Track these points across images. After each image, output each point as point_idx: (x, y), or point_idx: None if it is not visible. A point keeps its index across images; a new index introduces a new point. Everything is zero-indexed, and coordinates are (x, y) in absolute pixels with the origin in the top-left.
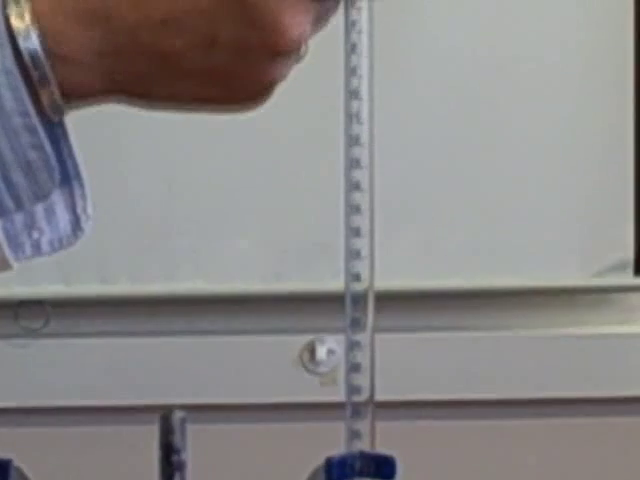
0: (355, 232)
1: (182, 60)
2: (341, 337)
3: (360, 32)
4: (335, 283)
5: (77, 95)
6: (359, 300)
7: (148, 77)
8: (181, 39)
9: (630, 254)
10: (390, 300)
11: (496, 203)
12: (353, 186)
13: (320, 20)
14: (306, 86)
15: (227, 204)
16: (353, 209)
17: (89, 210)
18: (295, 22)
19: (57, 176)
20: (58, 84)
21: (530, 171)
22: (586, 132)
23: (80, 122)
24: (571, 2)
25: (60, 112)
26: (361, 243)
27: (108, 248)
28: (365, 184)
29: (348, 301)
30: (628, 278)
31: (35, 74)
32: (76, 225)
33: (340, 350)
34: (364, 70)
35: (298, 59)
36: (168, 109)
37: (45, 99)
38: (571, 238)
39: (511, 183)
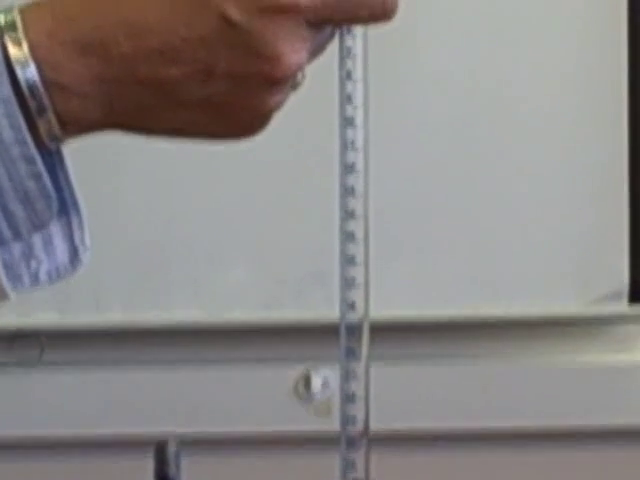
0: (350, 260)
1: (179, 89)
2: (336, 367)
3: (355, 59)
4: (330, 312)
5: (74, 124)
6: (354, 329)
7: (145, 106)
8: (178, 68)
9: (625, 283)
10: (385, 329)
11: (492, 232)
12: (348, 214)
13: (317, 48)
14: (302, 115)
15: (222, 233)
16: (348, 237)
17: (87, 241)
18: (292, 50)
19: (55, 206)
20: (56, 113)
21: (526, 200)
22: (581, 163)
23: (76, 150)
24: (567, 31)
25: (58, 141)
26: (356, 271)
27: (103, 277)
28: (360, 212)
29: (342, 330)
30: (623, 307)
31: (33, 103)
32: (74, 255)
33: (335, 380)
34: (359, 98)
35: (295, 87)
36: (165, 137)
37: (43, 128)
38: (566, 267)
39: (507, 212)
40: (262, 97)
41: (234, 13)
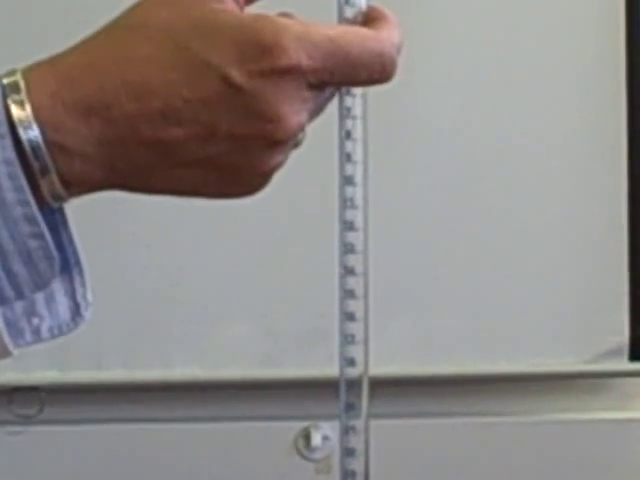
0: (349, 317)
1: (181, 150)
2: (336, 424)
3: (354, 119)
4: (330, 369)
5: (77, 184)
6: (354, 385)
7: (147, 166)
8: (180, 129)
9: (625, 339)
10: (385, 385)
11: (492, 289)
12: (347, 271)
13: (317, 108)
14: (303, 173)
15: (222, 290)
16: (348, 293)
17: (89, 297)
18: (293, 112)
19: (57, 265)
20: (58, 174)
21: (526, 258)
22: (581, 220)
23: (77, 208)
24: (568, 88)
25: (61, 200)
26: (355, 328)
27: (103, 334)
28: (359, 269)
29: (342, 385)
30: (624, 364)
31: (36, 164)
32: (76, 312)
33: (335, 437)
34: (359, 156)
35: (295, 145)
36: (166, 195)
37: (45, 188)
38: (566, 324)
39: (507, 269)
40: (263, 158)
41: (236, 75)
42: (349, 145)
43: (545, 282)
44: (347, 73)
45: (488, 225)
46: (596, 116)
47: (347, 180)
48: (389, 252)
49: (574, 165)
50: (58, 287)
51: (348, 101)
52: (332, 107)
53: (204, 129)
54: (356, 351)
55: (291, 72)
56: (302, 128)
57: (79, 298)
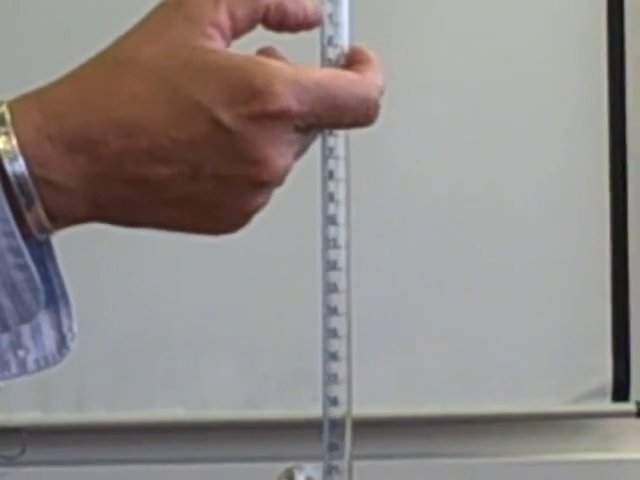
0: (332, 356)
1: (166, 188)
2: (320, 465)
3: (337, 159)
4: (313, 409)
5: (62, 217)
6: (337, 425)
7: (132, 203)
8: (166, 168)
9: (608, 380)
10: (368, 425)
11: (476, 330)
12: (331, 310)
13: (301, 149)
14: (285, 213)
15: (205, 331)
16: (331, 333)
17: (75, 329)
18: (279, 155)
19: (42, 298)
20: (44, 207)
21: (509, 300)
22: (565, 262)
23: (61, 242)
24: (550, 133)
25: (46, 232)
26: (338, 367)
27: (86, 375)
28: (342, 308)
29: (326, 425)
30: (606, 404)
31: (21, 197)
32: (62, 344)
33: (319, 477)
34: (341, 196)
35: (278, 184)
36: (149, 229)
37: (31, 221)
38: (549, 364)
39: (490, 310)
40: (246, 198)
41: (224, 117)
42: (332, 185)
43: (528, 323)
44: (334, 117)
45: (471, 265)
46: (577, 165)
47: (330, 220)
48: (372, 292)
49: (556, 208)
50: (44, 319)
51: (331, 141)
52: (315, 147)
53: (190, 168)
54: (339, 390)
55: (280, 116)
56: (288, 170)
57: (65, 330)
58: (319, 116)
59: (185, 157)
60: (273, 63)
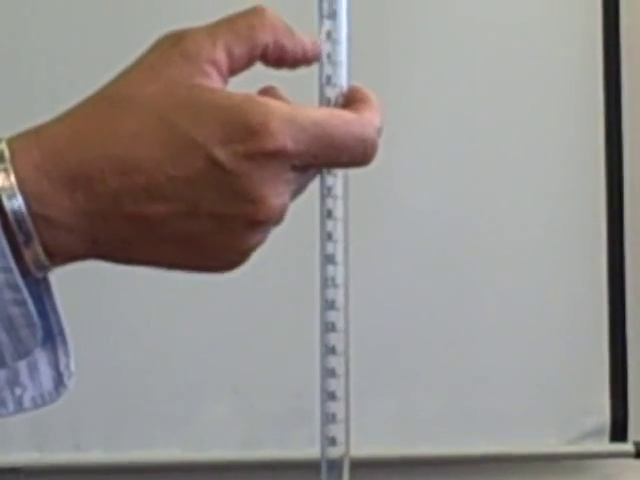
0: (331, 396)
1: (163, 225)
2: None
3: (335, 198)
4: (312, 450)
5: (60, 254)
6: (335, 465)
7: (129, 240)
8: (163, 205)
9: (606, 421)
10: (366, 466)
11: (474, 370)
12: (329, 349)
13: (299, 188)
14: (284, 252)
15: (202, 370)
16: (329, 373)
17: (72, 367)
18: (276, 194)
19: (39, 333)
20: (42, 244)
21: (508, 338)
22: (563, 299)
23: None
24: (550, 163)
25: (44, 269)
26: (337, 407)
27: (83, 415)
28: (340, 347)
29: (324, 465)
30: (605, 444)
31: (20, 234)
32: (59, 382)
33: None
34: (339, 235)
35: (276, 223)
36: (146, 266)
37: (29, 258)
38: (547, 405)
39: (488, 351)
40: (244, 237)
41: (221, 155)
42: (330, 224)
43: (526, 364)
44: (330, 156)
45: (469, 305)
46: (573, 202)
47: (328, 259)
48: (370, 331)
49: (555, 247)
50: (41, 356)
51: (329, 180)
52: (313, 186)
53: (187, 206)
54: (337, 430)
55: (277, 155)
56: (284, 209)
57: (62, 368)
58: (316, 155)
59: (182, 195)
60: (270, 102)
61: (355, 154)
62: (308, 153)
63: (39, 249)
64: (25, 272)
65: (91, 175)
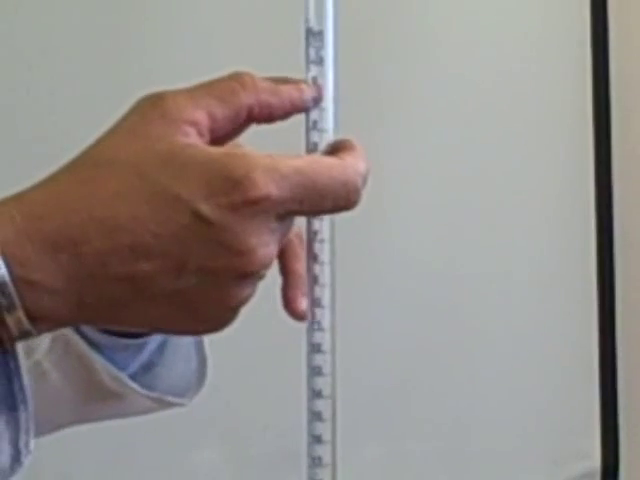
0: (317, 439)
1: (151, 283)
2: None
3: (322, 242)
4: None
5: (45, 319)
6: None
7: (117, 300)
8: (150, 264)
9: (597, 464)
10: None
11: (462, 414)
12: (315, 393)
13: (285, 236)
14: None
15: (191, 415)
16: (315, 416)
17: (31, 446)
18: (262, 244)
19: (4, 406)
20: (25, 309)
21: (498, 382)
22: (553, 344)
23: None
24: (538, 210)
25: (28, 336)
26: (323, 450)
27: (70, 460)
28: (327, 391)
29: None
30: None
31: (2, 300)
32: (16, 459)
33: None
34: (326, 279)
35: (263, 276)
36: (134, 329)
37: (11, 323)
38: (537, 449)
39: (477, 394)
40: (232, 290)
41: (206, 209)
42: (317, 268)
43: (516, 407)
44: (314, 202)
45: (458, 349)
46: (566, 253)
47: (315, 303)
48: (358, 375)
49: (546, 290)
50: (3, 432)
51: (316, 225)
52: (300, 231)
53: (173, 263)
54: (324, 474)
55: (261, 204)
56: (272, 259)
57: (21, 444)
58: (300, 202)
59: (168, 251)
60: (250, 154)
61: (338, 198)
62: (292, 200)
63: (22, 315)
64: (9, 337)
65: (75, 237)
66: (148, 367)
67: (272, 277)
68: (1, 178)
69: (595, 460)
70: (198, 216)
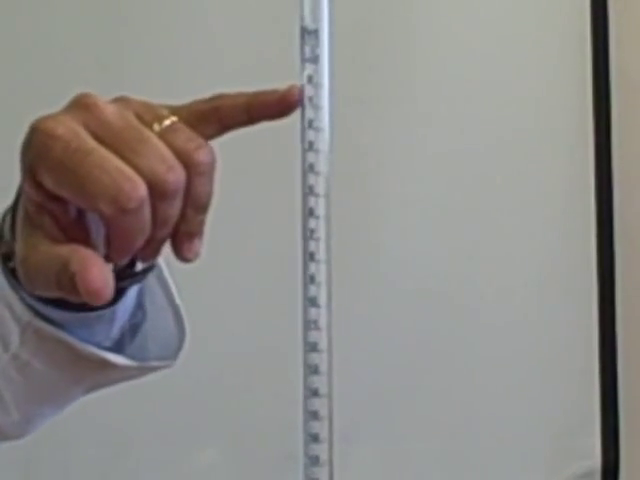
0: (314, 438)
1: None
2: None
3: (318, 240)
4: None
5: None
6: None
7: None
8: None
9: (597, 464)
10: None
11: (462, 415)
12: (312, 392)
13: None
14: (265, 315)
15: (190, 415)
16: (311, 415)
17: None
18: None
19: None
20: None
21: (497, 383)
22: (553, 344)
23: None
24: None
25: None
26: (320, 449)
27: (71, 460)
28: (324, 390)
29: None
30: None
31: None
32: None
33: None
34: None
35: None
36: None
37: None
38: (537, 449)
39: (477, 395)
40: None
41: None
42: (313, 266)
43: (516, 407)
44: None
45: (456, 351)
46: (566, 260)
47: (311, 302)
48: (354, 373)
49: (547, 296)
50: None
51: (312, 223)
52: (296, 227)
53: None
54: (321, 473)
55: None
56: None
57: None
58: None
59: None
60: None
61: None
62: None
63: None
64: None
65: None
66: (133, 331)
67: (270, 278)
68: (1, 178)
69: (595, 460)
70: None
